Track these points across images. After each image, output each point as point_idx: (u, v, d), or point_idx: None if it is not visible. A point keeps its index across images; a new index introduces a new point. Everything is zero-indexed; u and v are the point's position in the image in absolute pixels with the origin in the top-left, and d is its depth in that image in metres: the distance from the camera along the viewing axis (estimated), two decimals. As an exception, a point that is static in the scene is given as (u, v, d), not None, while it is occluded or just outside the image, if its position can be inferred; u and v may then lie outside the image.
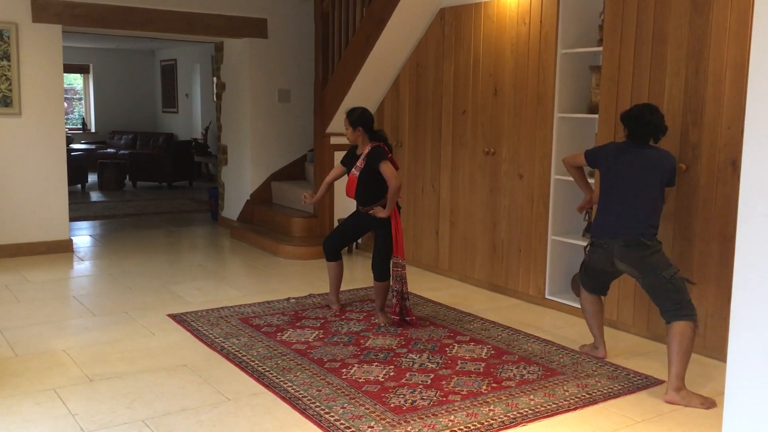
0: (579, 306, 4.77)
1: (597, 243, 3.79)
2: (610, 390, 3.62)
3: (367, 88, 6.49)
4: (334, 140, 6.86)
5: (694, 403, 3.43)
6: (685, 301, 3.55)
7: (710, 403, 3.43)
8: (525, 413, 3.32)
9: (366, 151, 4.60)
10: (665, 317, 3.57)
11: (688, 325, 3.48)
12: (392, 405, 3.37)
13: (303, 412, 3.30)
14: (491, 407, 3.38)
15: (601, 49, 4.65)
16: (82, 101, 15.02)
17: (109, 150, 13.29)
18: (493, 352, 4.15)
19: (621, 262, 3.70)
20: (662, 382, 3.73)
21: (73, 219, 7.93)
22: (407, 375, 3.77)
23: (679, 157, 4.18)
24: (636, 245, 3.62)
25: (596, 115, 4.69)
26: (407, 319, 4.63)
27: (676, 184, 4.18)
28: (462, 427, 3.16)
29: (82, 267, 6.39)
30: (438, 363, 3.96)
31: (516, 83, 5.23)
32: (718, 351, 4.00)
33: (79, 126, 14.78)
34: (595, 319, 4.02)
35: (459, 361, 3.99)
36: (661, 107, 4.26)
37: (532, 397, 3.52)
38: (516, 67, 5.22)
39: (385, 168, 4.52)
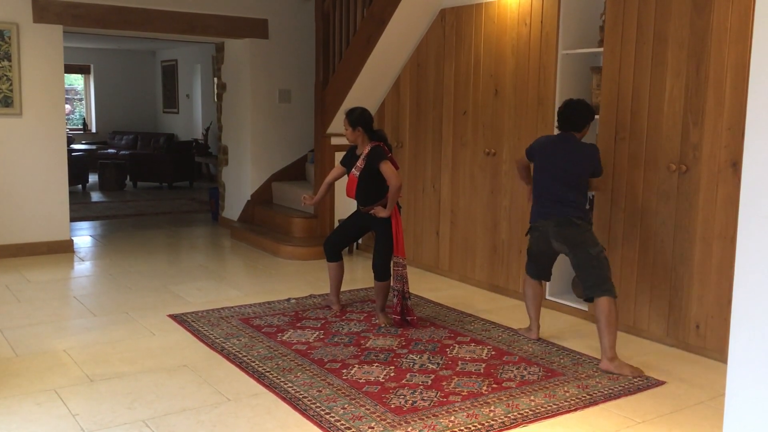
0: (580, 307, 4.80)
1: (534, 227, 4.20)
2: (610, 391, 3.62)
3: (367, 89, 6.49)
4: (334, 141, 6.87)
5: (625, 371, 3.80)
6: (605, 278, 3.91)
7: (638, 372, 3.81)
8: (525, 414, 3.32)
9: (366, 151, 4.60)
10: (587, 292, 3.95)
11: (611, 301, 3.85)
12: (393, 406, 3.37)
13: (303, 412, 3.30)
14: (492, 408, 3.38)
15: (601, 49, 4.65)
16: (83, 101, 15.03)
17: (109, 150, 13.30)
18: (493, 352, 4.15)
19: (555, 240, 4.08)
20: (663, 383, 3.73)
21: (73, 219, 7.94)
22: (408, 376, 3.77)
23: (680, 157, 4.18)
24: (567, 224, 4.02)
25: (597, 116, 4.69)
26: (408, 318, 4.62)
27: (678, 183, 4.18)
28: (462, 428, 3.16)
29: (83, 267, 6.39)
30: (438, 364, 3.95)
31: (517, 84, 5.23)
32: (719, 352, 4.00)
33: (80, 126, 14.78)
34: (534, 303, 4.38)
35: (459, 362, 3.99)
36: (662, 108, 4.27)
37: (532, 397, 3.51)
38: (517, 67, 5.22)
39: (385, 168, 4.52)
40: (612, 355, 3.85)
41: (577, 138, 4.14)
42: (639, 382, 3.73)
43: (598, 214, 4.67)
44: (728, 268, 3.90)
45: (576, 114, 4.14)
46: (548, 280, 4.47)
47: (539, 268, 4.34)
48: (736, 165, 3.89)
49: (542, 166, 4.17)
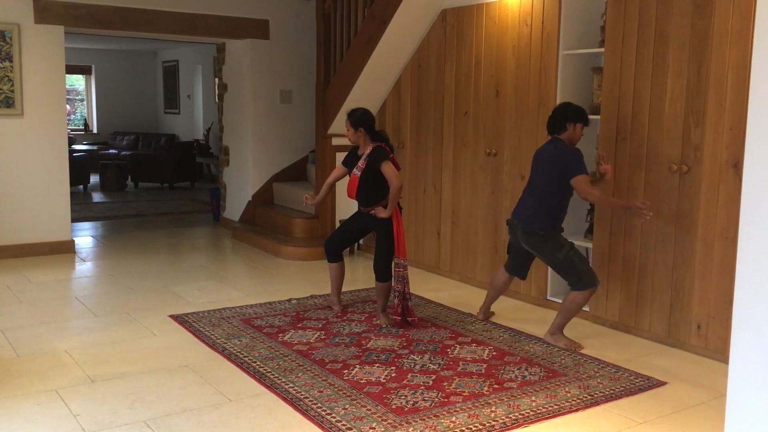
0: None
1: (509, 221, 4.48)
2: (612, 391, 3.61)
3: (368, 89, 6.49)
4: (335, 141, 6.87)
5: (560, 343, 4.21)
6: (582, 273, 4.11)
7: (574, 345, 4.20)
8: (527, 414, 3.32)
9: (367, 151, 4.60)
10: (571, 287, 4.20)
11: (580, 294, 4.13)
12: (394, 406, 3.37)
13: (304, 413, 3.30)
14: (493, 408, 3.38)
15: (602, 50, 4.65)
16: (84, 102, 15.04)
17: (110, 151, 13.31)
18: (494, 353, 4.15)
19: (523, 242, 4.32)
20: (664, 383, 3.73)
21: (75, 220, 7.94)
22: (409, 376, 3.77)
23: (681, 158, 4.18)
24: (531, 233, 4.25)
25: (598, 117, 4.69)
26: (409, 319, 4.62)
27: (679, 184, 4.17)
28: (464, 429, 3.16)
29: (84, 268, 6.39)
30: (439, 364, 3.95)
31: (517, 84, 5.23)
32: (720, 352, 3.99)
33: (81, 127, 14.80)
34: (493, 289, 4.73)
35: (460, 363, 3.99)
36: (663, 108, 4.27)
37: (533, 398, 3.51)
38: (517, 68, 5.22)
39: (387, 168, 4.52)
40: (554, 331, 4.26)
41: (561, 141, 4.23)
42: (640, 383, 3.73)
43: (599, 214, 4.66)
44: (729, 268, 3.90)
45: (553, 116, 4.28)
46: (522, 278, 4.65)
47: (515, 264, 4.57)
48: (737, 165, 3.89)
49: (532, 167, 4.40)
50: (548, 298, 5.10)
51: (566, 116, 4.23)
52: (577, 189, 4.13)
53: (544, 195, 4.23)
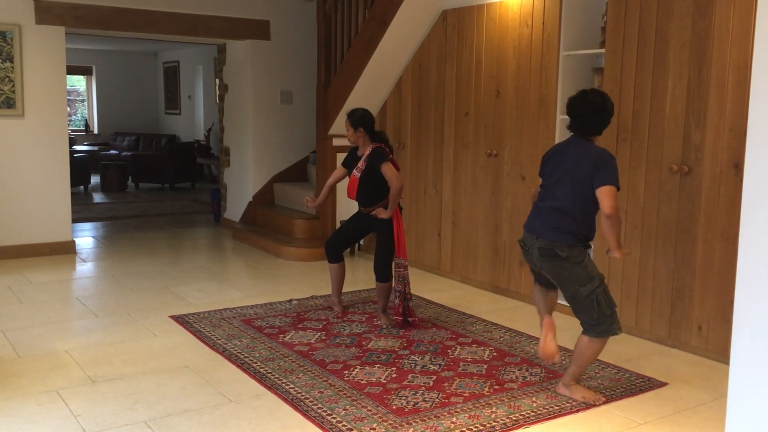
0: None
1: (520, 241, 3.60)
2: (612, 392, 3.61)
3: (369, 90, 6.49)
4: (336, 142, 6.87)
5: (577, 396, 3.48)
6: (603, 317, 3.34)
7: (596, 399, 3.46)
8: (527, 415, 3.32)
9: (367, 152, 4.60)
10: (583, 329, 3.43)
11: (597, 342, 3.39)
12: (394, 407, 3.37)
13: (305, 413, 3.30)
14: (493, 409, 3.38)
15: (603, 51, 4.65)
16: (85, 103, 15.04)
17: (111, 151, 13.32)
18: (495, 354, 4.15)
19: (540, 267, 3.50)
20: (665, 384, 3.73)
21: (75, 220, 7.94)
22: (409, 377, 3.76)
23: (682, 158, 4.18)
24: (551, 255, 3.37)
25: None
26: (410, 319, 4.62)
27: (680, 184, 4.17)
28: (464, 429, 3.16)
29: (85, 268, 6.39)
30: (440, 365, 3.95)
31: (518, 85, 5.23)
32: (721, 353, 3.99)
33: (82, 127, 14.80)
34: (542, 302, 3.73)
35: (461, 363, 3.98)
36: (663, 109, 4.26)
37: (534, 399, 3.51)
38: (518, 68, 5.22)
39: (386, 169, 4.52)
40: (567, 382, 3.53)
41: (589, 143, 3.44)
42: (641, 384, 3.73)
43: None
44: (730, 269, 3.89)
45: (591, 110, 3.39)
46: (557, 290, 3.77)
47: (543, 279, 3.69)
48: (738, 166, 3.89)
49: (545, 173, 3.55)
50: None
51: (609, 115, 3.43)
52: (603, 202, 3.26)
53: (573, 210, 3.36)
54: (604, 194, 3.26)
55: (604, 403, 3.48)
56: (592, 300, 3.33)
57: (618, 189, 3.30)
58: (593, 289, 3.33)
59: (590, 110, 3.38)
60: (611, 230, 3.30)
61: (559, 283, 3.47)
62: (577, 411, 3.39)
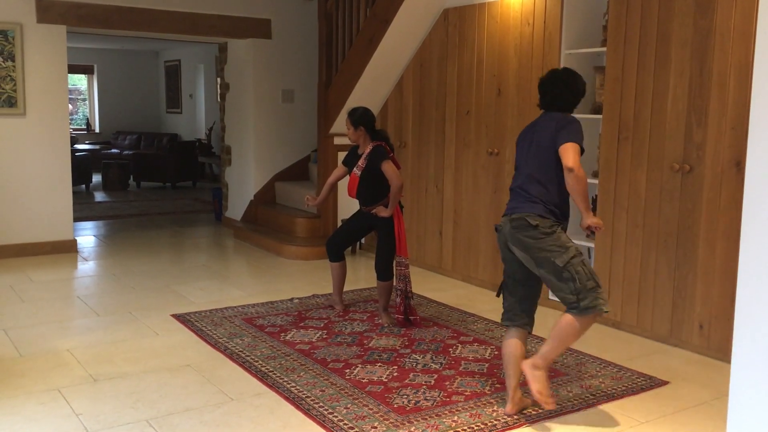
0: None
1: (496, 225, 3.42)
2: (613, 391, 3.61)
3: (370, 89, 6.49)
4: (337, 140, 6.87)
5: (535, 385, 3.14)
6: (585, 290, 3.09)
7: (548, 401, 3.16)
8: (528, 414, 3.32)
9: (367, 151, 4.60)
10: (566, 309, 3.17)
11: (581, 320, 3.12)
12: (396, 405, 3.37)
13: (306, 412, 3.30)
14: (495, 408, 3.38)
15: (605, 49, 4.64)
16: (87, 102, 15.05)
17: (113, 150, 13.33)
18: (496, 352, 4.15)
19: (514, 246, 3.28)
20: (667, 383, 3.73)
21: (77, 219, 7.94)
22: (411, 375, 3.77)
23: (683, 157, 4.17)
24: (522, 226, 3.20)
25: (600, 116, 4.69)
26: (411, 318, 4.62)
27: (681, 183, 4.16)
28: (465, 428, 3.16)
29: (86, 267, 6.40)
30: (441, 363, 3.95)
31: (519, 84, 5.23)
32: (722, 352, 3.99)
33: (84, 126, 14.82)
34: (512, 368, 3.32)
35: (462, 362, 3.99)
36: (665, 107, 4.26)
37: (535, 397, 3.51)
38: (519, 67, 5.22)
39: (387, 167, 4.52)
40: (537, 364, 3.19)
41: (559, 114, 3.34)
42: (642, 382, 3.73)
43: (602, 215, 4.66)
44: (732, 267, 3.89)
45: (562, 87, 3.35)
46: (529, 327, 3.35)
47: (517, 302, 3.32)
48: (739, 165, 3.89)
49: (518, 152, 3.46)
50: (550, 297, 5.09)
51: (579, 93, 3.37)
52: (564, 157, 3.13)
53: (544, 177, 3.25)
54: (565, 150, 3.13)
55: (606, 401, 3.48)
56: (570, 271, 3.11)
57: (582, 149, 3.16)
58: (568, 260, 3.12)
59: (559, 85, 3.34)
60: (576, 187, 3.12)
61: (533, 259, 3.21)
62: (578, 410, 3.39)
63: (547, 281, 3.23)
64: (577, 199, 3.16)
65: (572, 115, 3.38)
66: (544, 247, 3.17)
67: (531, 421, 3.26)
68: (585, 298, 3.10)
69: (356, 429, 3.13)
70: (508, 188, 3.47)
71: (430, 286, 5.71)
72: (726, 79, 3.94)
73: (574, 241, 3.34)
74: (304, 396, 3.48)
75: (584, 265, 3.15)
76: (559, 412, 3.35)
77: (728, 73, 3.93)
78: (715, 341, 4.08)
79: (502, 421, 3.24)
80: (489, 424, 3.21)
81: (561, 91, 3.34)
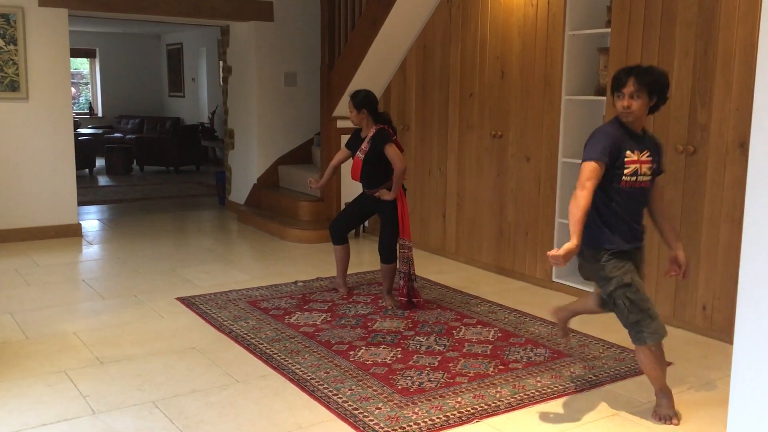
0: (586, 289, 4.76)
1: None
2: (616, 372, 3.63)
3: (373, 72, 6.47)
4: (340, 124, 6.85)
5: (662, 411, 3.15)
6: (629, 324, 3.05)
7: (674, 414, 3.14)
8: (532, 395, 3.34)
9: (370, 133, 4.59)
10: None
11: (640, 350, 3.07)
12: (400, 387, 3.39)
13: (311, 393, 3.33)
14: (498, 389, 3.40)
15: (609, 30, 4.61)
16: (89, 86, 15.03)
17: (116, 134, 13.32)
18: (500, 334, 4.17)
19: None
20: (670, 364, 3.73)
21: (81, 203, 7.96)
22: (414, 357, 3.79)
23: (687, 138, 4.16)
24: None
25: (604, 98, 4.67)
26: (415, 301, 4.64)
27: (686, 164, 4.15)
28: (469, 409, 3.18)
29: (91, 251, 6.42)
30: (445, 345, 3.97)
31: (523, 65, 5.20)
32: (725, 333, 4.00)
33: (86, 110, 14.80)
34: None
35: (466, 344, 4.00)
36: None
37: (539, 378, 3.53)
38: (523, 49, 5.19)
39: (390, 150, 4.51)
40: (657, 400, 3.18)
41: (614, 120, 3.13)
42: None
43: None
44: (735, 249, 3.89)
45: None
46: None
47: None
48: (743, 146, 3.88)
49: None
50: (553, 279, 5.11)
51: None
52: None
53: (595, 203, 3.03)
54: (581, 170, 2.98)
55: (609, 382, 3.49)
56: (616, 303, 3.06)
57: (597, 161, 2.94)
58: (610, 292, 3.06)
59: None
60: (569, 207, 2.94)
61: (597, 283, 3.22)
62: (581, 390, 3.41)
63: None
64: (573, 224, 2.91)
65: (606, 123, 3.17)
66: (593, 274, 3.20)
67: (534, 402, 3.28)
68: (631, 332, 3.08)
69: (360, 410, 3.15)
70: None
71: (433, 268, 5.72)
72: (731, 59, 3.92)
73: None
74: (308, 378, 3.50)
75: (627, 298, 3.02)
76: (562, 392, 3.37)
77: (733, 54, 3.90)
78: (718, 322, 4.09)
79: (506, 402, 3.26)
80: (492, 405, 3.23)
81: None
